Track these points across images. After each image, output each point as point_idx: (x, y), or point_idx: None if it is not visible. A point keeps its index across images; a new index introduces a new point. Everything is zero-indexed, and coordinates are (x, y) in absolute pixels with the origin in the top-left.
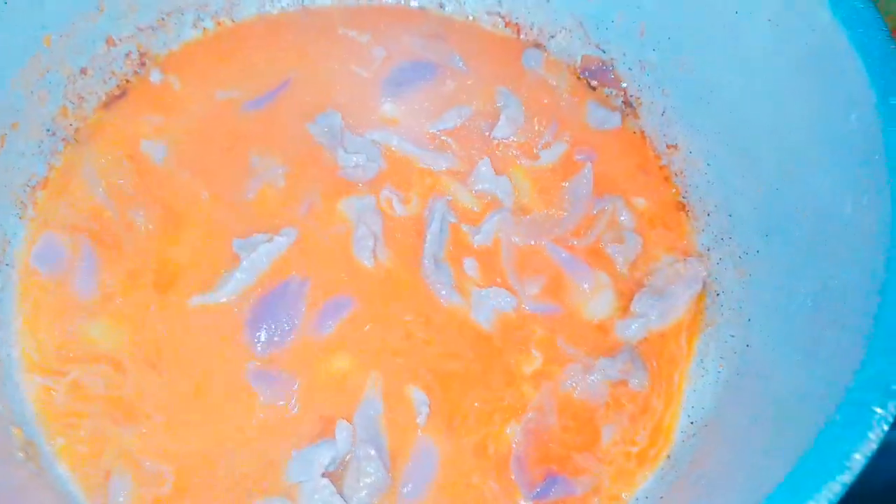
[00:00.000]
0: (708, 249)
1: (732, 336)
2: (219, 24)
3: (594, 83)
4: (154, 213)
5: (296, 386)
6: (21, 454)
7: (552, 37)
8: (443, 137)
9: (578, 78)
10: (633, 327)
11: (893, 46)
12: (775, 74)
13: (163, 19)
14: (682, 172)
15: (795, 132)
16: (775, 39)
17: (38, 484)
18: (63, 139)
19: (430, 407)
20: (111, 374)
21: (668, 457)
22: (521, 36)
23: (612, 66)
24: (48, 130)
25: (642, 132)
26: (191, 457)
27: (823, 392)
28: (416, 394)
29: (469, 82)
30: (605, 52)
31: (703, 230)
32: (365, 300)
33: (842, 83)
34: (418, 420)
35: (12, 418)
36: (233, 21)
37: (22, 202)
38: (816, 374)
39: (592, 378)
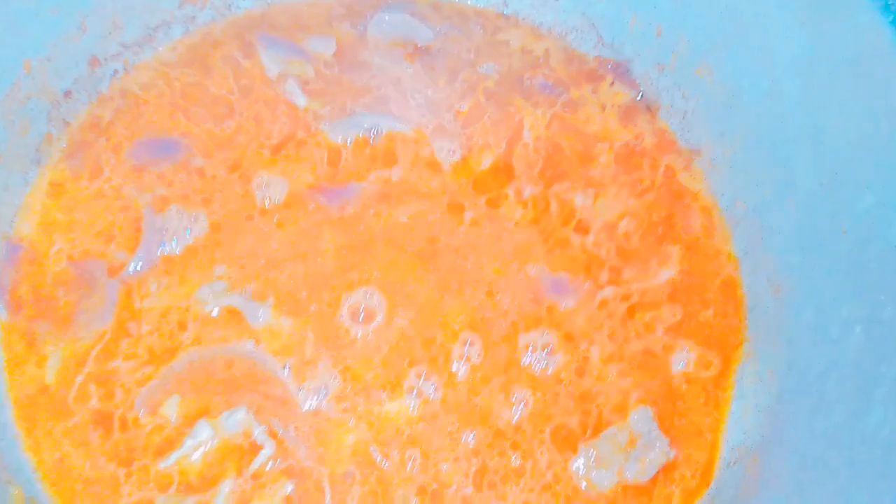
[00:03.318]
0: (739, 258)
1: (770, 356)
2: None
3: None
4: None
5: None
6: None
7: (562, 38)
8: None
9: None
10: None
11: None
12: (809, 79)
13: (150, 34)
14: (705, 178)
15: (833, 142)
16: (809, 41)
17: None
18: (49, 166)
19: None
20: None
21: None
22: None
23: (627, 67)
24: (32, 160)
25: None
26: None
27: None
28: None
29: None
30: (619, 53)
31: (731, 239)
32: None
33: (889, 88)
34: None
35: (9, 476)
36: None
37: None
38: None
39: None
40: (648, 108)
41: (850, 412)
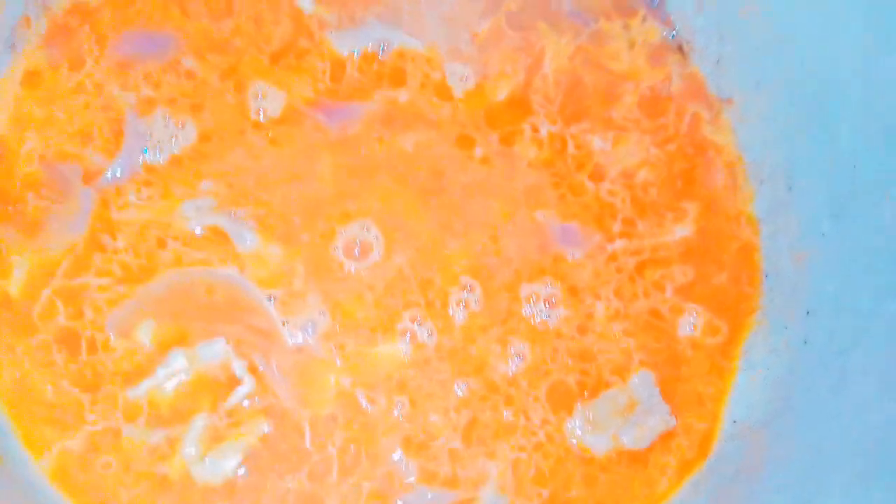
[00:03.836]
0: (759, 221)
1: (785, 327)
2: None
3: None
4: None
5: None
6: None
7: None
8: None
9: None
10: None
11: None
12: (871, 27)
13: None
14: (733, 131)
15: (887, 103)
16: None
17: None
18: (25, 52)
19: None
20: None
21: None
22: None
23: (662, 3)
24: (6, 44)
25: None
26: None
27: None
28: None
29: None
30: None
31: (754, 199)
32: None
33: None
34: None
35: None
36: None
37: None
38: None
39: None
40: (680, 49)
41: (876, 395)
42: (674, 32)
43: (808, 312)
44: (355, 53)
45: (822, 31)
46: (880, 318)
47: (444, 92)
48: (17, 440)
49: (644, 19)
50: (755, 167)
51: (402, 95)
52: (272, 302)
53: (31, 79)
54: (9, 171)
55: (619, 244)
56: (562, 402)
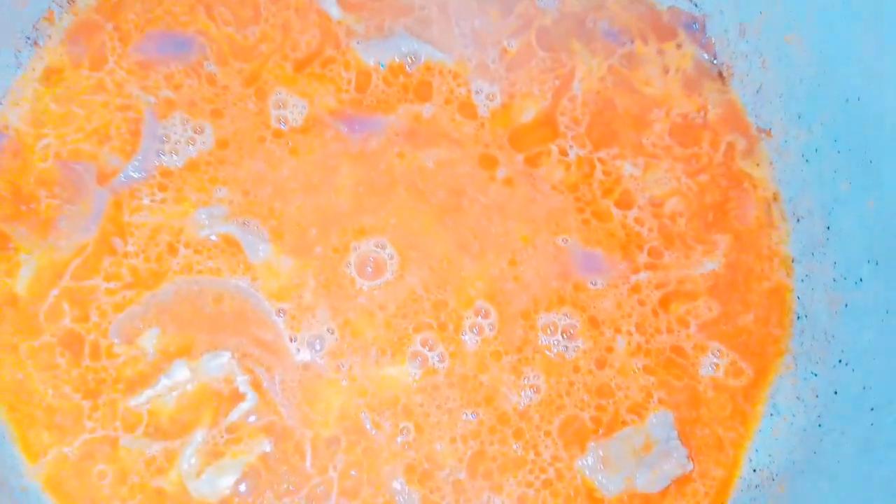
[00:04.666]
0: (793, 260)
1: (815, 375)
2: None
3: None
4: None
5: None
6: None
7: None
8: None
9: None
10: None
11: None
12: None
13: None
14: (771, 164)
15: None
16: None
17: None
18: (47, 48)
19: None
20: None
21: None
22: None
23: (704, 24)
24: (28, 39)
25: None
26: None
27: None
28: None
29: None
30: (697, 6)
31: (789, 237)
32: None
33: None
34: None
35: None
36: None
37: None
38: None
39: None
40: (720, 75)
41: None
42: (713, 57)
43: (840, 361)
44: (382, 64)
45: (869, 66)
46: None
47: (469, 110)
48: (12, 444)
49: (680, 45)
50: (792, 204)
51: (427, 110)
52: (281, 316)
53: (52, 75)
54: (23, 168)
55: (644, 275)
56: (575, 438)
